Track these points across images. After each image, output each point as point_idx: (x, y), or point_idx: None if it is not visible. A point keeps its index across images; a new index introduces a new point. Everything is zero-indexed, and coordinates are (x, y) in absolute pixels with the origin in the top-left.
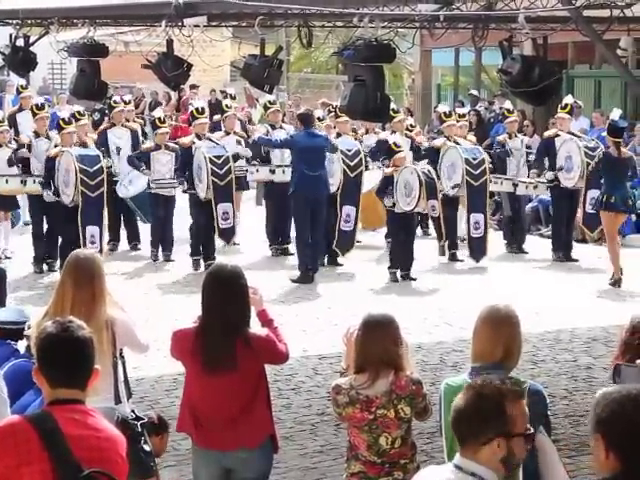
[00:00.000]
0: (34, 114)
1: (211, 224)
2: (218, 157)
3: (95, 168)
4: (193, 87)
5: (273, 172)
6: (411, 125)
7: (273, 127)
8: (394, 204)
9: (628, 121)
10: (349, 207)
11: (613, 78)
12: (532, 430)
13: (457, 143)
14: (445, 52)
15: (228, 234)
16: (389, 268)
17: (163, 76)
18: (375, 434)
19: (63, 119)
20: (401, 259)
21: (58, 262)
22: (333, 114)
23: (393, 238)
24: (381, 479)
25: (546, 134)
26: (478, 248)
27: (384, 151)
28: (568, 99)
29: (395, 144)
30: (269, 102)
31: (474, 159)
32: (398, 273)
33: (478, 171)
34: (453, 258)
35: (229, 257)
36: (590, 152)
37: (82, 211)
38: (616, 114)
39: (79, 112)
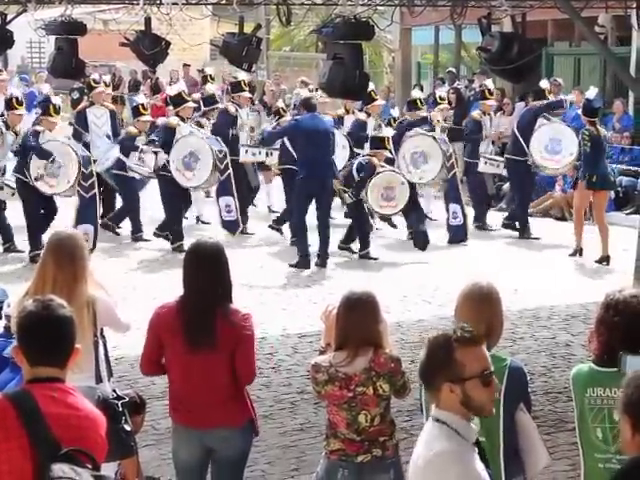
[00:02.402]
0: (10, 107)
1: (182, 208)
2: (220, 151)
3: (89, 170)
4: (186, 65)
5: (270, 154)
6: (394, 119)
7: (240, 107)
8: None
9: (606, 99)
10: None
11: (593, 56)
12: (489, 371)
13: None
14: (425, 30)
15: (232, 226)
16: (360, 250)
17: (141, 54)
18: (354, 412)
19: (54, 105)
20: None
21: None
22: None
23: (356, 221)
24: (360, 456)
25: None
26: (457, 235)
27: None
28: (543, 83)
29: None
30: (243, 82)
31: (447, 151)
32: (370, 252)
33: (449, 164)
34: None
35: (210, 236)
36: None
37: (77, 211)
38: (592, 93)
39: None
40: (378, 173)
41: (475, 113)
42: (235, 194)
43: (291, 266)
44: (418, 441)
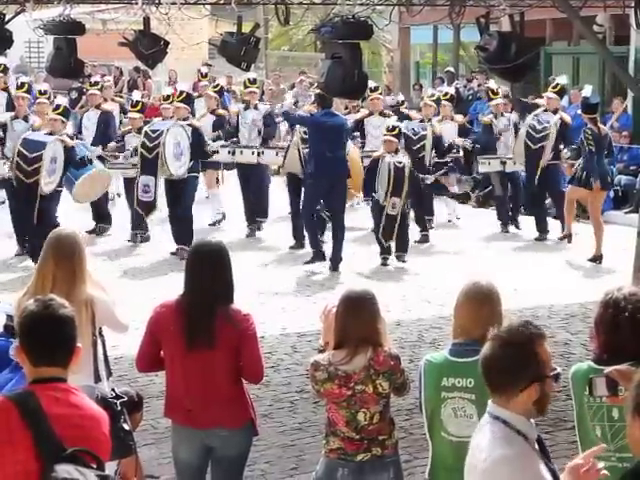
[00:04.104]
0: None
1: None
2: (154, 131)
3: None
4: (207, 65)
5: (233, 153)
6: (402, 102)
7: (247, 107)
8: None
9: (605, 97)
10: None
11: (591, 55)
12: (557, 369)
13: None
14: (423, 29)
15: (148, 207)
16: (380, 254)
17: (140, 54)
18: (353, 410)
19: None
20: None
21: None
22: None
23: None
24: (360, 455)
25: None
26: None
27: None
28: (562, 79)
29: (387, 128)
30: (249, 81)
31: (415, 134)
32: (389, 259)
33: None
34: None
35: (210, 236)
36: (534, 133)
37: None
38: (588, 90)
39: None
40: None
41: (486, 118)
42: (157, 175)
43: (306, 263)
44: (474, 439)
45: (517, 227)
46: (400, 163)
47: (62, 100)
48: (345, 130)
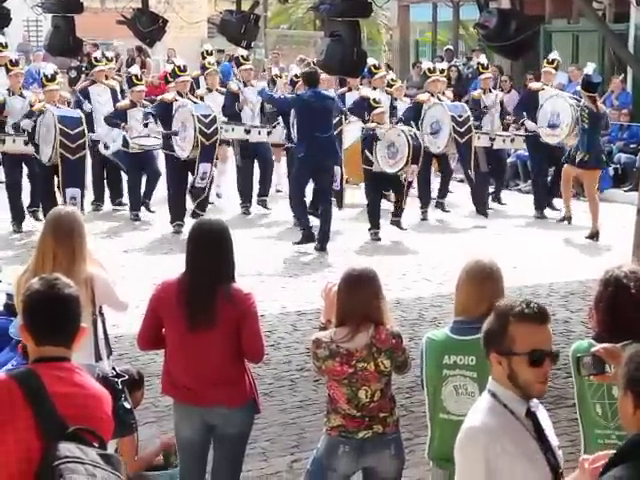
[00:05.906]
0: (8, 70)
1: (184, 186)
2: (205, 116)
3: (77, 130)
4: (220, 52)
5: (248, 132)
6: (392, 80)
7: (245, 84)
8: (371, 162)
9: (605, 75)
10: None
11: (591, 32)
12: (540, 351)
13: (440, 99)
14: (423, 7)
15: (198, 193)
16: (369, 229)
17: (138, 32)
18: (355, 387)
19: (46, 75)
20: (377, 218)
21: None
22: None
23: (370, 197)
24: (361, 433)
25: (532, 86)
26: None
27: (364, 107)
28: (554, 55)
29: (374, 100)
30: (242, 57)
31: (459, 116)
32: (380, 233)
33: (464, 129)
34: (425, 217)
35: (210, 214)
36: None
37: (62, 173)
38: (590, 68)
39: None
40: (379, 139)
41: (475, 93)
42: (214, 162)
43: (295, 244)
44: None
45: (500, 203)
46: (414, 134)
47: (49, 69)
48: (333, 108)
